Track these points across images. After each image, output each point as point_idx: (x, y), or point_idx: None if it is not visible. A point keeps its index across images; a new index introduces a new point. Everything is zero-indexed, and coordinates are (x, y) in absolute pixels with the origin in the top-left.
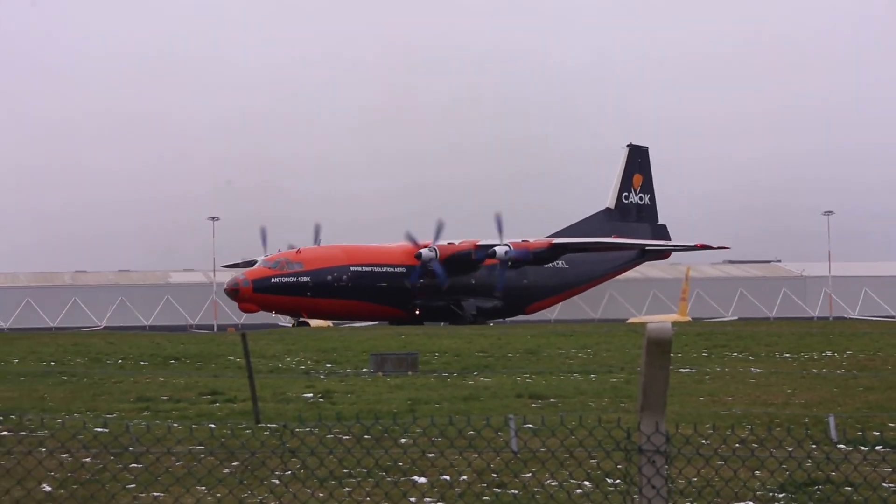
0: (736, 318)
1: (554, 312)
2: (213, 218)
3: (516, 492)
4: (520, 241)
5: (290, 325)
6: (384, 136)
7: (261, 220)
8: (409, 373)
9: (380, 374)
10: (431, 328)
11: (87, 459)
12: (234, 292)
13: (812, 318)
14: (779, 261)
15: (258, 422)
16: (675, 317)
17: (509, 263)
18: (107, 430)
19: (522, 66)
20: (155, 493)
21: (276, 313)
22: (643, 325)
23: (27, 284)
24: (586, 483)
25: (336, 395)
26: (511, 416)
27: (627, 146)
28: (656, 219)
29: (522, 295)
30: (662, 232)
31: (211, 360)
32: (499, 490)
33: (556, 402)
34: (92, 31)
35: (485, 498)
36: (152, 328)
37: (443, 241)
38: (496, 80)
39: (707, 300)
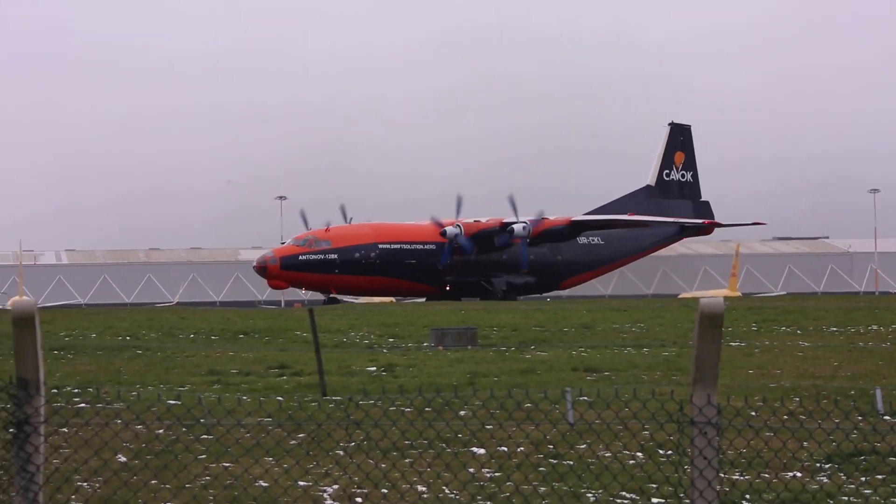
0: (784, 293)
1: (608, 288)
2: (280, 197)
3: (571, 463)
4: (539, 218)
5: (322, 301)
6: (444, 120)
7: (327, 200)
8: (469, 347)
9: (440, 348)
10: (491, 304)
11: (161, 431)
12: (262, 269)
13: (858, 292)
14: (826, 237)
15: (324, 394)
16: (725, 292)
17: (528, 240)
18: (179, 403)
19: (560, 45)
20: (225, 464)
21: (305, 290)
22: (695, 300)
23: (104, 262)
24: (639, 454)
25: (398, 368)
26: (568, 388)
27: (669, 124)
28: (699, 195)
29: (556, 271)
30: (705, 209)
31: (278, 334)
32: (555, 461)
33: (611, 376)
34: (165, 27)
35: (541, 469)
36: (223, 304)
37: (469, 220)
38: (529, 59)
39: (756, 276)
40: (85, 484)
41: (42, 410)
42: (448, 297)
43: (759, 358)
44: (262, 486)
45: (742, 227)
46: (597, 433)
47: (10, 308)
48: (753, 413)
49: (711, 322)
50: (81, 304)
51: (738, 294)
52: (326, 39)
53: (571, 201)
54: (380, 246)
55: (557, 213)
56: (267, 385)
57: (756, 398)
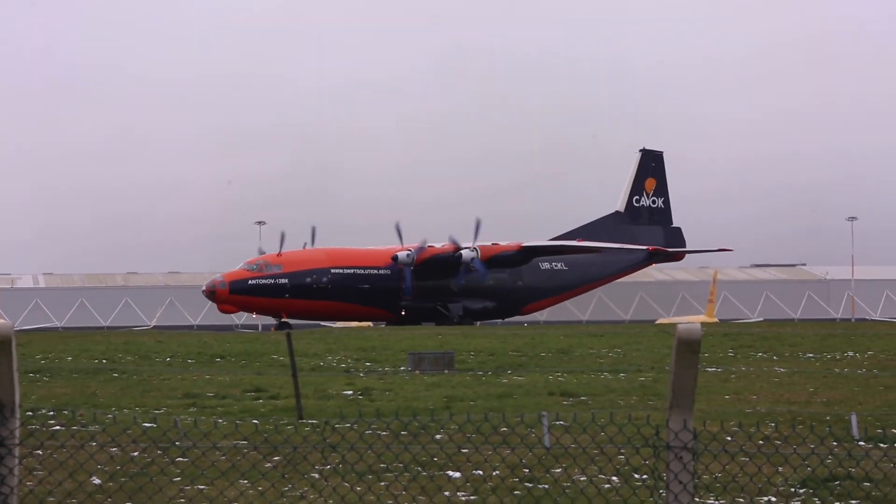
0: (761, 319)
1: (586, 314)
2: (259, 222)
3: (547, 487)
4: (489, 244)
5: (273, 326)
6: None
7: (306, 223)
8: (446, 371)
9: (417, 372)
10: (468, 328)
11: (136, 453)
12: (211, 294)
13: (835, 319)
14: (803, 264)
15: (301, 417)
16: (702, 318)
17: (473, 266)
18: (155, 426)
19: (534, 69)
20: (200, 486)
21: (256, 314)
22: (672, 325)
23: (81, 285)
24: (615, 478)
25: (375, 392)
26: (544, 413)
27: (640, 151)
28: (670, 221)
29: (517, 296)
30: (676, 235)
31: (255, 358)
32: (530, 485)
33: (587, 400)
34: (143, 48)
35: (516, 492)
36: (200, 327)
37: (436, 244)
38: (507, 85)
39: (734, 302)
40: None
41: (17, 433)
42: (404, 323)
43: (735, 383)
44: None
45: (712, 252)
46: (573, 457)
47: None
48: (729, 438)
49: (689, 348)
50: (58, 328)
51: (716, 320)
52: (310, 63)
53: (543, 226)
54: (332, 270)
55: (527, 238)
56: (243, 408)
57: (732, 423)
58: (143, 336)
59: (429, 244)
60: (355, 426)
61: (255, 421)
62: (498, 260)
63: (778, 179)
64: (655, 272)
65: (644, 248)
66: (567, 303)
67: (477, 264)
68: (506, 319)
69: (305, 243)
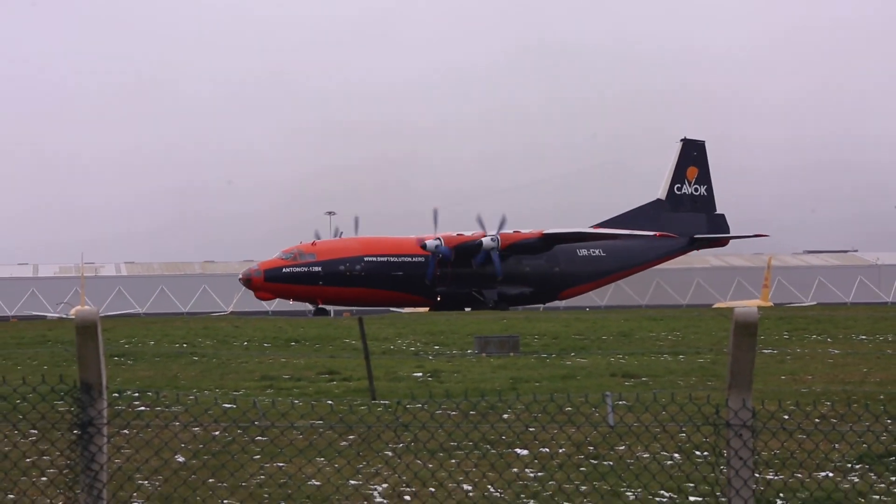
0: (815, 303)
1: (645, 298)
2: (329, 212)
3: (611, 463)
4: (512, 231)
5: (311, 312)
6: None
7: (379, 214)
8: (511, 354)
9: (483, 355)
10: (532, 313)
11: (217, 433)
12: (247, 281)
13: (886, 303)
14: (855, 250)
15: (374, 398)
16: (757, 302)
17: (499, 252)
18: (235, 406)
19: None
20: (279, 464)
21: (292, 301)
22: (729, 309)
23: (161, 273)
24: (676, 455)
25: (443, 374)
26: (608, 392)
27: (681, 140)
28: (714, 209)
29: (554, 282)
30: (719, 221)
31: (328, 342)
32: (595, 462)
33: (647, 381)
34: (210, 49)
35: (582, 469)
36: (275, 313)
37: (459, 233)
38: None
39: (787, 287)
40: (146, 482)
41: (104, 413)
42: (441, 309)
43: (790, 364)
44: (314, 484)
45: (750, 238)
46: (636, 435)
47: (73, 317)
48: (786, 416)
49: (746, 330)
50: (140, 314)
51: (770, 304)
52: (379, 59)
53: (584, 214)
54: (365, 259)
55: (567, 226)
56: (317, 390)
57: (789, 402)
58: (221, 321)
59: (458, 232)
60: (426, 406)
61: (330, 402)
62: (519, 247)
63: (829, 164)
64: (712, 258)
65: (651, 234)
66: (626, 287)
67: (480, 259)
68: (542, 305)
69: (341, 233)
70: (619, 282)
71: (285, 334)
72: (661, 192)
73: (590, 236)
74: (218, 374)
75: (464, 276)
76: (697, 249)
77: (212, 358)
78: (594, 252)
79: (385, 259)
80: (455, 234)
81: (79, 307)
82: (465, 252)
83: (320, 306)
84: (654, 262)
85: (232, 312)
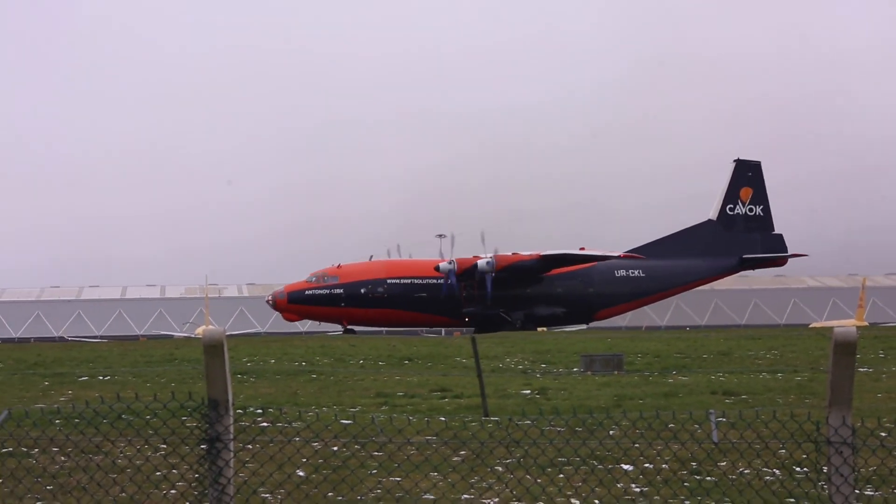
0: None
1: (743, 318)
2: (440, 235)
3: (715, 479)
4: (510, 254)
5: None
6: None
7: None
8: (615, 372)
9: (589, 373)
10: (636, 332)
11: (336, 448)
12: (273, 303)
13: None
14: None
15: (486, 415)
16: (853, 322)
17: (493, 275)
18: (353, 422)
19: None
20: (395, 478)
21: (321, 322)
22: (826, 329)
23: None
24: (777, 471)
25: (551, 391)
26: (711, 410)
27: (734, 161)
28: (771, 228)
29: (588, 302)
30: (776, 242)
31: (440, 360)
32: (699, 477)
33: (748, 399)
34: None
35: (686, 484)
36: (389, 333)
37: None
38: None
39: (881, 307)
40: (269, 496)
41: (231, 429)
42: (476, 329)
43: (886, 382)
44: (429, 498)
45: (797, 257)
46: (739, 452)
47: (200, 336)
48: (885, 434)
49: (846, 349)
50: (261, 333)
51: (865, 324)
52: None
53: (632, 235)
54: (388, 281)
55: (612, 248)
56: (430, 406)
57: (886, 420)
58: (337, 340)
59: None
60: (535, 423)
61: (443, 418)
62: (517, 269)
63: None
64: (808, 279)
65: (615, 255)
66: (724, 307)
67: (452, 278)
68: (576, 326)
69: (371, 256)
70: (717, 301)
71: (399, 353)
72: (712, 213)
73: (583, 259)
74: (335, 391)
75: (495, 297)
76: (749, 270)
77: (329, 375)
78: (633, 273)
79: (409, 281)
80: (508, 254)
81: (204, 327)
82: (468, 274)
83: (348, 327)
84: (697, 282)
85: (345, 331)
